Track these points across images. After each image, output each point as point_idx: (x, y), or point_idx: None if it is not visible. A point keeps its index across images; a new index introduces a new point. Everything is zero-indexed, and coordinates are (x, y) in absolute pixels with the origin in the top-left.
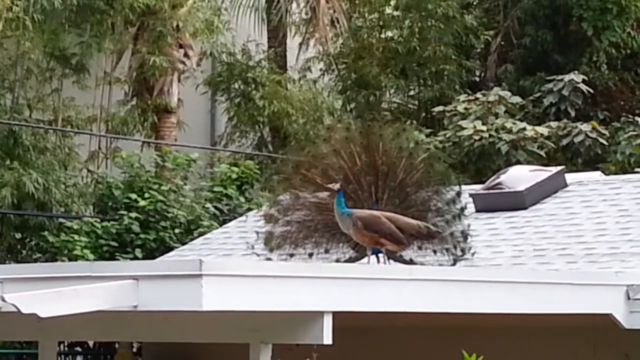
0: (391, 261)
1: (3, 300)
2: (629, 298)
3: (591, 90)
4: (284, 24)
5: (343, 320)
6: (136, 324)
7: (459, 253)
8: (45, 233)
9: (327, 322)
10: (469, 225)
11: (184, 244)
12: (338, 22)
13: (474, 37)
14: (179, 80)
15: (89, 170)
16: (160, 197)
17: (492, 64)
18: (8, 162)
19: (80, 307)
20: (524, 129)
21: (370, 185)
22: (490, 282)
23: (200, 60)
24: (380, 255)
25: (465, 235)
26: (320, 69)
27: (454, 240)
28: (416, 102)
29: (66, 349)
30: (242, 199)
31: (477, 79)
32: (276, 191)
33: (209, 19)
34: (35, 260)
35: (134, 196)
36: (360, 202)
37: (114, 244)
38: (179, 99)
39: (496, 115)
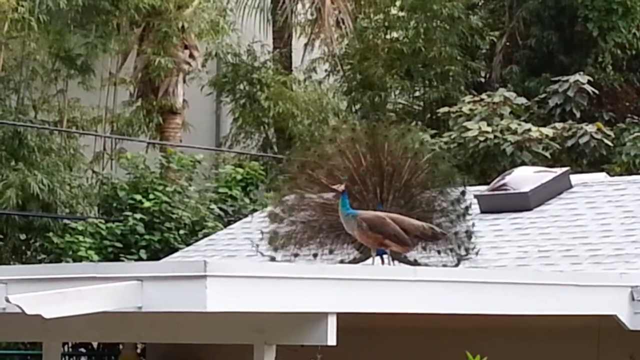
0: (395, 262)
1: (7, 301)
2: (633, 299)
3: (596, 91)
4: (289, 24)
5: (347, 322)
6: (140, 325)
7: (463, 253)
8: (50, 234)
9: (331, 323)
10: (473, 224)
11: (188, 245)
12: (343, 23)
13: (479, 38)
14: (184, 81)
15: (93, 171)
16: (165, 198)
17: (497, 65)
18: (13, 163)
19: (84, 308)
20: (529, 130)
21: (376, 186)
22: (495, 283)
23: (206, 61)
24: (385, 256)
25: (469, 234)
26: (326, 70)
27: (458, 240)
28: (421, 103)
29: (70, 350)
30: (247, 200)
31: (483, 79)
32: (281, 190)
33: (214, 19)
34: (40, 261)
35: (138, 197)
36: (366, 203)
37: (119, 245)
38: (184, 100)
39: (501, 117)
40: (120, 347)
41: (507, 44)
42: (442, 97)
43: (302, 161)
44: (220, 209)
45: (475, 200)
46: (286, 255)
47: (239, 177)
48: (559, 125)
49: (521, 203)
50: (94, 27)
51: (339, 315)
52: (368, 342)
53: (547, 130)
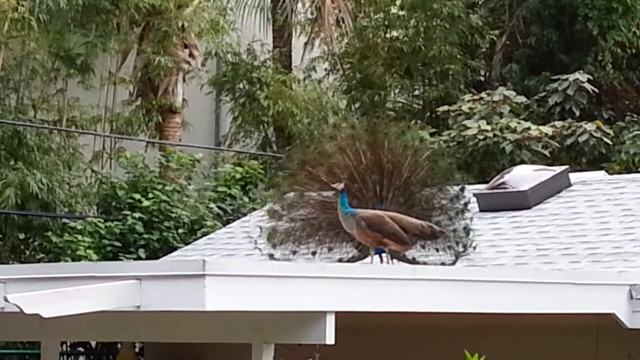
0: (394, 261)
1: (6, 300)
2: (631, 297)
3: (596, 90)
4: (289, 23)
5: (346, 320)
6: (139, 324)
7: (461, 249)
8: (49, 233)
9: (330, 322)
10: (471, 219)
11: (187, 244)
12: (343, 22)
13: (479, 37)
14: (184, 80)
15: (93, 171)
16: (164, 197)
17: (497, 64)
18: (12, 162)
19: (83, 307)
20: (529, 128)
21: (375, 184)
22: (494, 281)
23: (205, 60)
24: (384, 255)
25: (467, 230)
26: (325, 69)
27: (457, 237)
28: (421, 102)
29: (68, 349)
30: (246, 199)
31: (482, 78)
32: (281, 187)
33: (214, 19)
34: (39, 261)
35: (137, 196)
36: (365, 201)
37: (118, 244)
38: (183, 99)
39: (501, 115)
40: (119, 346)
41: (507, 42)
42: (442, 96)
43: (302, 158)
44: (219, 208)
45: (475, 199)
46: (285, 252)
47: (238, 176)
48: (558, 123)
49: (520, 201)
50: (94, 26)
51: (338, 314)
52: (366, 341)
53: (547, 129)
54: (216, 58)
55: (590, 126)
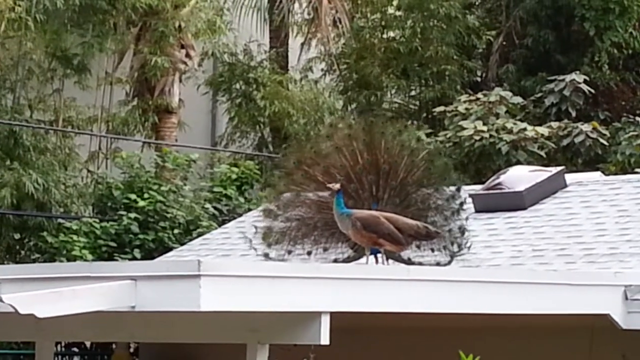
0: (389, 261)
1: (1, 300)
2: (626, 298)
3: (592, 91)
4: (286, 24)
5: (341, 321)
6: (134, 325)
7: (456, 249)
8: (44, 233)
9: (325, 323)
10: (467, 219)
11: (182, 244)
12: (340, 22)
13: (476, 38)
14: (180, 81)
15: (88, 171)
16: (160, 198)
17: (493, 64)
18: (8, 162)
19: (78, 307)
20: (525, 129)
21: (371, 184)
22: (489, 282)
23: (202, 61)
24: (379, 255)
25: (462, 230)
26: (322, 69)
27: (452, 237)
28: (417, 103)
29: (63, 349)
30: (242, 200)
31: (479, 79)
32: (277, 186)
33: (211, 19)
34: (34, 261)
35: (133, 196)
36: (361, 202)
37: (113, 244)
38: (180, 100)
39: (497, 116)
40: (114, 346)
41: (504, 43)
42: (438, 97)
43: (298, 157)
44: (215, 208)
45: (470, 199)
46: (280, 252)
47: (234, 176)
48: (554, 124)
49: (516, 202)
50: (91, 26)
51: (333, 315)
52: (362, 342)
53: (543, 130)
54: (213, 58)
55: (586, 127)
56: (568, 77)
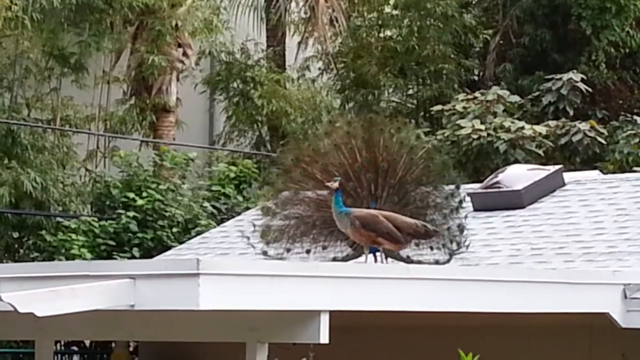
0: (388, 259)
1: (0, 299)
2: (625, 297)
3: (590, 89)
4: (283, 23)
5: (340, 319)
6: (133, 323)
7: (455, 247)
8: (43, 232)
9: (324, 321)
10: (465, 217)
11: (181, 243)
12: (337, 21)
13: (473, 36)
14: (178, 80)
15: (87, 170)
16: (158, 196)
17: (490, 63)
18: (6, 161)
19: (77, 306)
20: (523, 127)
21: (370, 182)
22: (488, 281)
23: (199, 60)
24: (378, 253)
25: (461, 228)
26: (319, 68)
27: (450, 235)
28: (415, 101)
29: (63, 348)
30: (240, 198)
31: (476, 78)
32: (275, 184)
33: (208, 18)
34: (33, 260)
35: (131, 195)
36: (360, 200)
37: (112, 243)
38: (177, 98)
39: (494, 114)
40: (113, 345)
41: (501, 42)
42: (436, 95)
43: (296, 154)
44: (214, 207)
45: (469, 198)
46: (278, 250)
47: (232, 175)
48: (552, 123)
49: (514, 201)
50: (88, 25)
51: (332, 313)
52: (361, 340)
53: (541, 128)
54: (210, 57)
55: (584, 126)
56: (565, 76)
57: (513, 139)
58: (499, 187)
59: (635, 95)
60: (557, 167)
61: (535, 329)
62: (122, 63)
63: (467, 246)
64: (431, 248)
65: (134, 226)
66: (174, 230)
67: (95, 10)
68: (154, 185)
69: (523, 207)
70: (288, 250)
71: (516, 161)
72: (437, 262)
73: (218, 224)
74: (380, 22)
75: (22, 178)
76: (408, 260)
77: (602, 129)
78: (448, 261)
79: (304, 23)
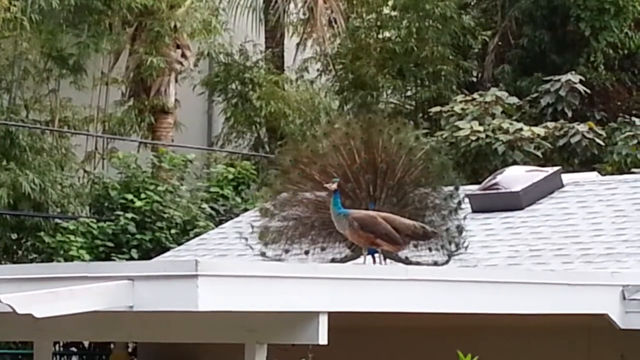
0: (387, 261)
1: None
2: (624, 298)
3: (588, 91)
4: (282, 24)
5: (338, 321)
6: (131, 325)
7: (453, 248)
8: (41, 233)
9: (323, 322)
10: (464, 218)
11: (180, 244)
12: (336, 23)
13: (472, 38)
14: (176, 81)
15: (85, 171)
16: (157, 198)
17: (489, 65)
18: (4, 162)
19: (75, 307)
20: (521, 129)
21: (369, 184)
22: (486, 282)
23: (198, 61)
24: (376, 255)
25: (460, 229)
26: (318, 70)
27: (449, 236)
28: (413, 103)
29: (61, 349)
30: (239, 200)
31: (475, 79)
32: (273, 185)
33: (206, 19)
34: (31, 261)
35: (130, 197)
36: (359, 201)
37: (110, 244)
38: (176, 100)
39: (493, 116)
40: (112, 346)
41: (499, 43)
42: (434, 97)
43: (294, 155)
44: (212, 208)
45: (467, 199)
46: (277, 251)
47: (230, 176)
48: (550, 124)
49: (512, 202)
50: (86, 26)
51: (331, 315)
52: (359, 342)
53: (539, 130)
54: (208, 58)
55: (582, 127)
56: (564, 78)
57: (511, 140)
58: (497, 189)
59: (634, 97)
60: (556, 168)
61: (534, 330)
62: (120, 64)
63: (466, 247)
64: (430, 249)
65: (132, 227)
66: (173, 231)
67: (94, 11)
68: (152, 187)
69: (521, 209)
70: (286, 251)
71: (514, 163)
72: (435, 264)
73: (216, 226)
74: (378, 23)
75: (21, 179)
76: (407, 261)
77: (601, 130)
78: (447, 262)
79: (302, 24)
